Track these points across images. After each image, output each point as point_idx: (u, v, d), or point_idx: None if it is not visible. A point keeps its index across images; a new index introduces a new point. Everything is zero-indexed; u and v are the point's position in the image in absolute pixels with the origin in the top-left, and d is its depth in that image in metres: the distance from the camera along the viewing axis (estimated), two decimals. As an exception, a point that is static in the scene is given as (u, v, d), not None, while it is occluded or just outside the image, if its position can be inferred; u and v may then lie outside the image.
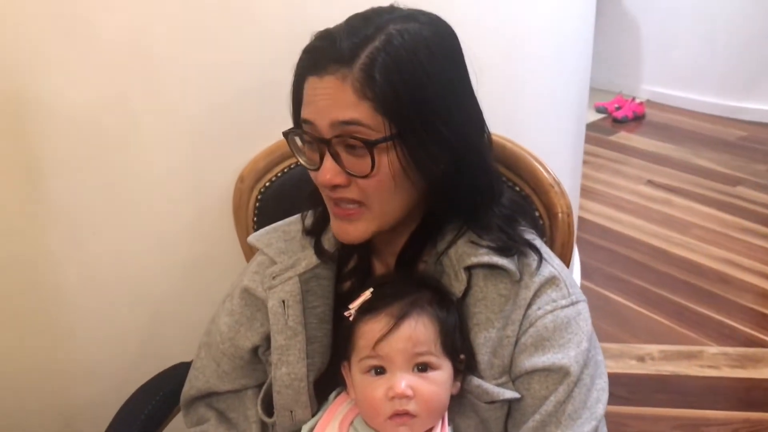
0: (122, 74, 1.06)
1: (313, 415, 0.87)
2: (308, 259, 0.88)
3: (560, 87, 1.75)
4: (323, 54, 0.73)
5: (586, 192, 2.97)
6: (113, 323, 1.24)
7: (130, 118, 1.09)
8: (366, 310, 0.79)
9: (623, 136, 3.83)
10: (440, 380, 0.77)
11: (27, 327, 1.24)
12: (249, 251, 1.17)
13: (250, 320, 0.90)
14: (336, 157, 0.74)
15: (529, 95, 1.57)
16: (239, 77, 1.13)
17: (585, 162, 2.68)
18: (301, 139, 0.80)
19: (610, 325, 2.22)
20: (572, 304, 0.82)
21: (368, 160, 0.73)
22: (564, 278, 0.83)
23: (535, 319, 0.80)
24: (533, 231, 0.87)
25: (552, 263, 0.84)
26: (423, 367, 0.77)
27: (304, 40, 0.78)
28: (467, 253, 0.81)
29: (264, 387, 0.90)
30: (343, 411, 0.85)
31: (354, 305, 0.80)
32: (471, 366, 0.81)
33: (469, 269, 0.81)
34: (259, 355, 0.91)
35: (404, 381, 0.76)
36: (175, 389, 1.03)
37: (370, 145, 0.72)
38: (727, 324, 2.20)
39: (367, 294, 0.80)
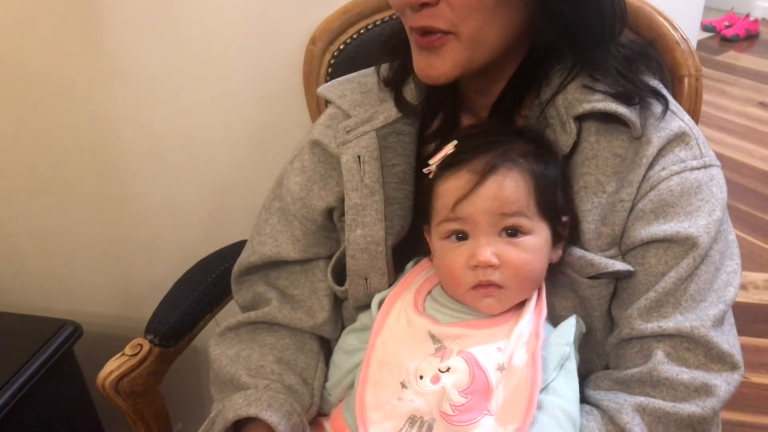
0: None
1: (389, 285, 0.76)
2: (387, 112, 0.76)
3: None
4: None
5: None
6: (175, 196, 1.17)
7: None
8: (447, 165, 0.67)
9: (732, 56, 3.48)
10: (534, 246, 0.65)
11: (87, 198, 1.19)
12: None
13: (324, 178, 0.79)
14: None
15: None
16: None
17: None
18: None
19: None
20: (705, 166, 0.67)
21: None
22: (696, 135, 0.68)
23: (659, 181, 0.66)
24: (658, 79, 0.71)
25: (682, 117, 0.68)
26: (512, 232, 0.65)
27: None
28: (579, 100, 0.67)
29: (336, 254, 0.80)
30: (420, 280, 0.74)
31: (435, 159, 0.68)
32: (574, 235, 0.68)
33: (579, 119, 0.67)
34: (334, 220, 0.80)
35: (489, 248, 0.64)
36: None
37: None
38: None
39: (449, 147, 0.68)
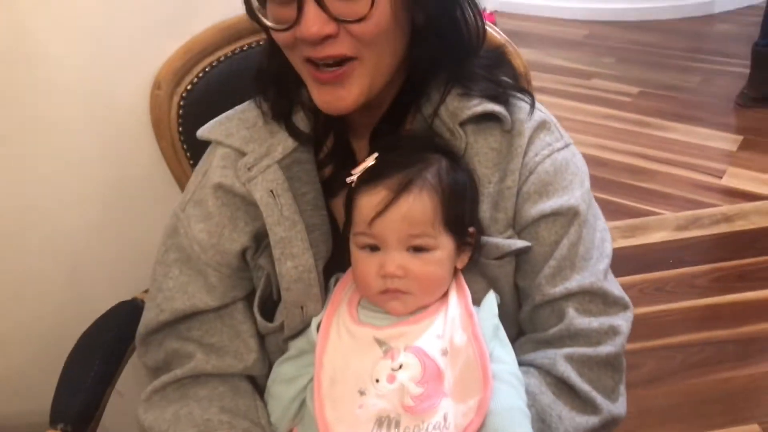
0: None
1: (323, 308, 0.79)
2: (283, 143, 0.78)
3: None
4: None
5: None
6: (29, 275, 1.06)
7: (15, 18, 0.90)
8: (367, 178, 0.72)
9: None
10: (437, 259, 0.73)
11: None
12: (178, 166, 1.04)
13: (232, 220, 0.79)
14: (320, 3, 0.65)
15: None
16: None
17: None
18: (260, 1, 0.69)
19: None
20: (566, 146, 0.80)
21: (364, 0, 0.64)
22: (553, 121, 0.81)
23: (535, 166, 0.77)
24: (512, 78, 0.83)
25: (538, 107, 0.81)
26: (418, 248, 0.72)
27: None
28: (460, 108, 0.76)
29: (258, 293, 0.80)
30: (347, 294, 0.78)
31: (357, 170, 0.73)
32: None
33: (462, 125, 0.76)
34: (246, 260, 0.80)
35: (396, 261, 0.71)
36: (129, 323, 0.91)
37: None
38: (612, 201, 2.35)
39: (370, 159, 0.73)
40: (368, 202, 0.71)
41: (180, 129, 1.02)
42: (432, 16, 0.71)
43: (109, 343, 0.92)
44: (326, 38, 0.66)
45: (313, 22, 0.64)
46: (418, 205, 0.71)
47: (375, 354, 0.72)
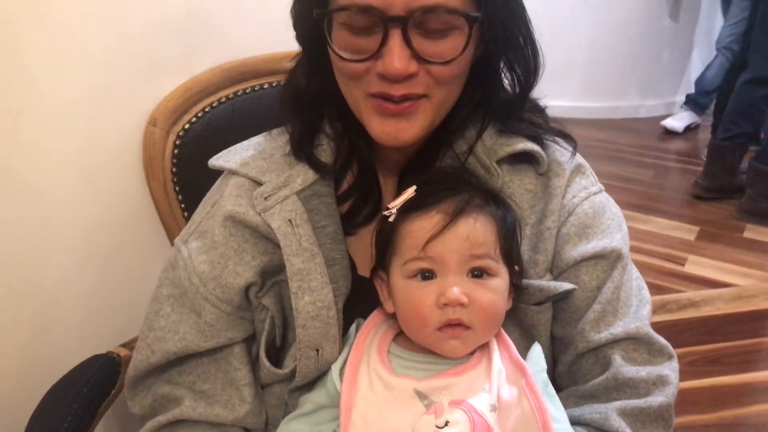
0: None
1: (339, 353, 0.71)
2: (303, 175, 0.73)
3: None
4: None
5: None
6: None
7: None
8: (411, 208, 0.67)
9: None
10: (498, 288, 0.67)
11: None
12: (167, 209, 0.97)
13: (238, 252, 0.72)
14: (408, 41, 0.62)
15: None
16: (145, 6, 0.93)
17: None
18: (329, 26, 0.65)
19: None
20: (600, 191, 0.77)
21: (456, 42, 0.63)
22: (587, 166, 0.78)
23: (573, 207, 0.74)
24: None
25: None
26: (479, 273, 0.66)
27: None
28: (498, 144, 0.73)
29: (265, 334, 0.72)
30: (375, 341, 0.70)
31: (395, 203, 0.68)
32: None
33: (498, 163, 0.73)
34: (250, 298, 0.73)
35: (458, 286, 0.64)
36: (103, 379, 0.81)
37: (471, 20, 0.62)
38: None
39: (410, 191, 0.68)
40: (421, 226, 0.66)
41: (174, 170, 0.96)
42: (496, 58, 0.70)
43: (81, 399, 0.80)
44: (407, 76, 0.63)
45: (400, 59, 0.62)
46: (480, 226, 0.66)
47: (416, 408, 0.64)
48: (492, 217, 0.68)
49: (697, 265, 2.46)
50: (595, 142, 3.74)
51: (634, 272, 0.77)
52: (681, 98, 3.97)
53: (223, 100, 0.98)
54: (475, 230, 0.65)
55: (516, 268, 0.70)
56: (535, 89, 0.75)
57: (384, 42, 0.62)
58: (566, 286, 0.71)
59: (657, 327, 2.29)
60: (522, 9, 0.70)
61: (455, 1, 0.63)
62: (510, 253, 0.69)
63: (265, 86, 1.00)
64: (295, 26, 0.72)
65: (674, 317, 2.17)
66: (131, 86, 0.94)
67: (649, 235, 2.68)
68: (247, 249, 0.72)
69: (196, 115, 0.96)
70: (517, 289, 0.71)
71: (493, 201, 0.70)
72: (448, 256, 0.65)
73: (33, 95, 0.86)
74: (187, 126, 0.95)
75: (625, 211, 2.87)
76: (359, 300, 0.73)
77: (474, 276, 0.66)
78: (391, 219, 0.68)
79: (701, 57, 4.10)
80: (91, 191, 0.95)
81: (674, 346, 2.18)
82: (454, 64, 0.64)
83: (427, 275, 0.66)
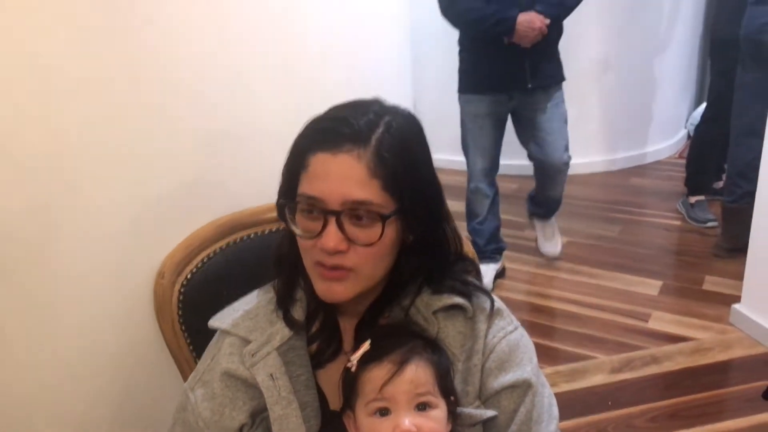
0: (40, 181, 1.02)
1: None
2: (281, 332, 0.94)
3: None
4: (339, 132, 0.83)
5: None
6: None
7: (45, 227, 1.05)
8: (368, 359, 0.87)
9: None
10: (439, 418, 0.87)
11: None
12: (176, 347, 1.17)
13: (233, 401, 0.93)
14: (341, 227, 0.84)
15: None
16: (148, 181, 1.16)
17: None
18: (291, 211, 0.88)
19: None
20: (516, 329, 0.98)
21: (375, 231, 0.84)
22: (504, 308, 0.99)
23: (493, 346, 0.94)
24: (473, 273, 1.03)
25: (493, 297, 0.99)
26: (423, 407, 0.86)
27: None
28: (433, 299, 0.94)
29: None
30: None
31: (355, 356, 0.88)
32: None
33: (434, 313, 0.94)
34: None
35: (408, 419, 0.85)
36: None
37: (384, 218, 0.84)
38: (552, 346, 2.55)
39: (366, 346, 0.89)
40: (376, 374, 0.86)
41: (180, 313, 1.16)
42: (421, 238, 0.91)
43: None
44: (338, 252, 0.85)
45: (333, 238, 0.84)
46: (421, 371, 0.86)
47: None
48: (430, 362, 0.88)
49: (659, 321, 2.67)
50: (566, 199, 3.96)
51: (546, 391, 0.97)
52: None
53: (217, 251, 1.19)
54: (417, 374, 0.86)
55: (452, 398, 0.90)
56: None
57: (324, 226, 0.84)
58: (489, 413, 0.92)
59: (622, 385, 2.49)
60: (439, 200, 0.92)
61: (379, 199, 0.84)
62: (446, 388, 0.89)
63: (252, 236, 1.22)
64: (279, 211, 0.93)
65: (637, 374, 2.36)
66: (143, 247, 1.16)
67: (615, 293, 2.88)
68: (240, 397, 0.93)
69: (196, 266, 1.17)
70: (453, 415, 0.91)
71: (431, 348, 0.90)
72: (399, 396, 0.85)
73: (67, 258, 1.08)
74: (189, 276, 1.16)
75: (593, 269, 3.02)
76: (331, 429, 0.93)
77: (419, 409, 0.86)
78: (353, 369, 0.88)
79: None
80: (111, 336, 1.16)
81: (637, 404, 2.38)
82: (374, 246, 0.85)
83: (383, 412, 0.86)
